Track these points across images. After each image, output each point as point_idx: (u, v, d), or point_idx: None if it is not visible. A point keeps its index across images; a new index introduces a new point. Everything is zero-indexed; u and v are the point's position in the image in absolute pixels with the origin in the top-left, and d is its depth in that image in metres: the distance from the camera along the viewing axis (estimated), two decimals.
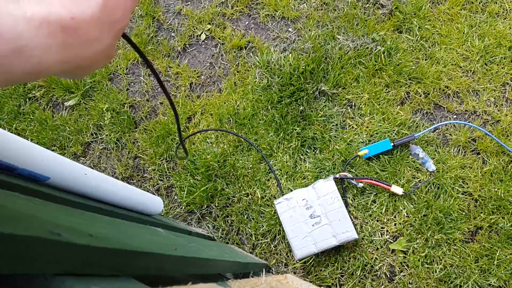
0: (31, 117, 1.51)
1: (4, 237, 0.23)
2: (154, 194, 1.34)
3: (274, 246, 1.23)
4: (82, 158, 1.43)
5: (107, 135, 1.44)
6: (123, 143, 1.42)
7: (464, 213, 1.16)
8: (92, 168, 1.38)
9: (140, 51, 0.43)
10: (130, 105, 1.47)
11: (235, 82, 1.43)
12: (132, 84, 1.51)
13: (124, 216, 0.69)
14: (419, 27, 1.37)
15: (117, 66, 1.52)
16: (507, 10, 1.35)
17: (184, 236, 0.79)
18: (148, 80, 1.49)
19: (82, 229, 0.37)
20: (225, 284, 0.44)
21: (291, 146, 1.29)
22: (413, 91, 1.30)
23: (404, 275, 1.14)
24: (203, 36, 1.52)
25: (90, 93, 1.51)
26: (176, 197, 1.33)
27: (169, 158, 1.37)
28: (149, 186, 1.36)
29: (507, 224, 1.13)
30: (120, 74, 1.52)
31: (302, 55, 1.38)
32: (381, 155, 1.23)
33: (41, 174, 0.57)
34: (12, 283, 0.28)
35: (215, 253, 0.70)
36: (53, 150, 1.42)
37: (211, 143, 1.36)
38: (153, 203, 0.85)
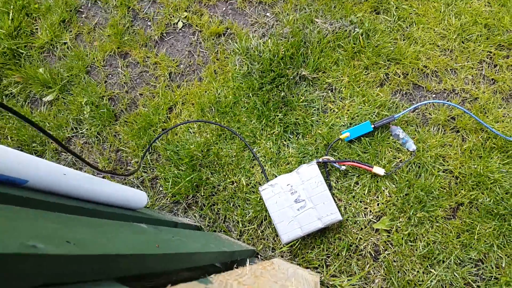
0: (10, 114, 1.47)
1: None
2: (139, 186, 1.33)
3: (261, 232, 1.24)
4: (64, 154, 1.41)
5: (87, 129, 1.42)
6: (104, 136, 1.41)
7: (445, 191, 1.19)
8: (74, 163, 1.36)
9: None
10: (109, 98, 1.45)
11: (215, 70, 1.41)
12: (110, 76, 1.48)
13: (106, 214, 0.69)
14: (396, 7, 1.37)
15: (93, 58, 1.49)
16: None
17: (169, 229, 0.79)
18: (126, 72, 1.47)
19: (59, 235, 0.37)
20: (206, 281, 0.44)
21: (274, 132, 1.30)
22: (392, 72, 1.31)
23: (389, 254, 1.17)
24: (180, 24, 1.50)
25: (68, 87, 1.48)
26: (161, 189, 1.33)
27: (151, 149, 1.36)
28: (133, 178, 1.36)
29: (486, 199, 1.16)
30: (97, 67, 1.49)
31: (281, 40, 1.37)
32: (362, 138, 1.25)
33: (19, 178, 0.56)
34: None
35: (200, 246, 0.71)
36: (33, 147, 1.40)
37: (193, 133, 1.35)
38: (136, 197, 0.85)
